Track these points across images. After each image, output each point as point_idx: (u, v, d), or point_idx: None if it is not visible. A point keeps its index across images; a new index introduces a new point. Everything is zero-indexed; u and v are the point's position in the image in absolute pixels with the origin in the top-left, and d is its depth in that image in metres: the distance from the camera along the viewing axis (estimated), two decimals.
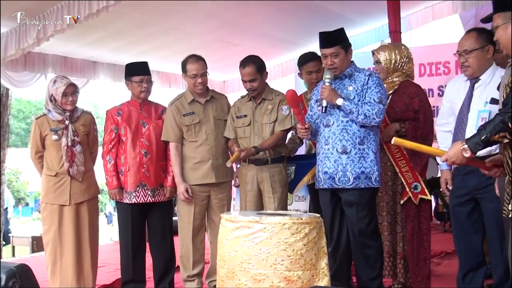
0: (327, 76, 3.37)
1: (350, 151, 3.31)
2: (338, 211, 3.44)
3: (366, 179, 3.31)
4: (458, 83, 3.27)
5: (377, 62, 3.79)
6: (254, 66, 3.85)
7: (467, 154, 2.36)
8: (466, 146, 2.36)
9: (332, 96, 3.31)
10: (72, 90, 3.88)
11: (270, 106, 3.89)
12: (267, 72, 3.97)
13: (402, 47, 3.86)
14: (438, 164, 3.62)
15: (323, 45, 3.40)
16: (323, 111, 3.35)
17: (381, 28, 7.20)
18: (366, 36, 7.43)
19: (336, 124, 3.34)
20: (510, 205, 2.36)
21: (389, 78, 3.75)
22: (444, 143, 3.29)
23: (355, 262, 3.46)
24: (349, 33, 7.17)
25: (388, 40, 6.27)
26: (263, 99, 3.91)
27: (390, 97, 3.72)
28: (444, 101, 3.40)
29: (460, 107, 3.15)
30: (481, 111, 3.01)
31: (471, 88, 3.13)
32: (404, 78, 3.76)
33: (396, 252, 3.78)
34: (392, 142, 2.62)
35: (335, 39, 3.37)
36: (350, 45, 3.44)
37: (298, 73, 4.30)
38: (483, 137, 2.30)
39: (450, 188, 3.33)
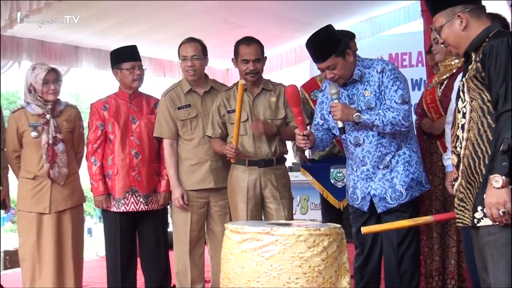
0: (332, 91, 3.26)
1: (391, 162, 3.32)
2: (373, 221, 3.41)
3: (417, 185, 3.34)
4: None
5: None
6: (259, 45, 3.84)
7: (498, 184, 2.22)
8: (491, 176, 2.25)
9: (348, 114, 3.23)
10: (54, 77, 3.90)
11: (273, 98, 3.86)
12: (266, 57, 3.93)
13: None
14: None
15: (313, 59, 3.36)
16: (342, 132, 3.30)
17: (411, 7, 7.18)
18: (394, 16, 7.38)
19: (368, 141, 3.32)
20: (475, 212, 2.35)
21: (447, 60, 3.69)
22: None
23: (387, 279, 3.46)
24: (374, 12, 7.27)
25: (419, 21, 6.25)
26: (262, 89, 3.88)
27: (445, 82, 3.68)
28: (452, 95, 3.41)
29: None
30: None
31: None
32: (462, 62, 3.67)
33: (445, 270, 3.72)
34: (362, 232, 2.93)
35: (324, 50, 3.23)
36: (347, 46, 3.31)
37: None
38: (501, 147, 2.20)
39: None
